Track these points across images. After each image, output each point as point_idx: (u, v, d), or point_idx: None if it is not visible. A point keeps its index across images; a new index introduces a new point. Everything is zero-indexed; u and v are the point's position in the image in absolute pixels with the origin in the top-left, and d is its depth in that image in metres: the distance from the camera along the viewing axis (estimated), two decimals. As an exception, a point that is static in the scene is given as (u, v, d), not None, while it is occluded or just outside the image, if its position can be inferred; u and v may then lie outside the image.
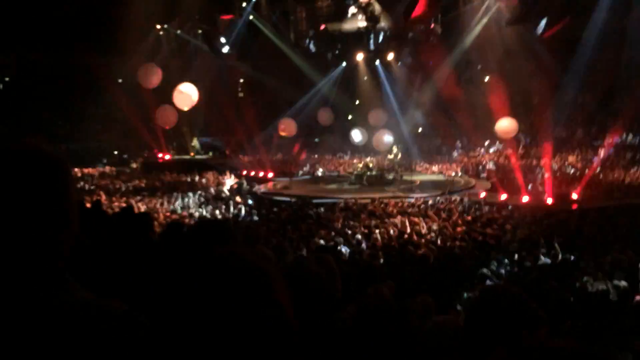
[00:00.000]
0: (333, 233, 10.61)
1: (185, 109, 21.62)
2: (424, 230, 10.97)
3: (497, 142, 26.56)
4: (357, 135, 26.27)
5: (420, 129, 30.40)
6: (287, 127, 25.33)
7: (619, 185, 17.45)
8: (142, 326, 1.02)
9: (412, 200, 15.82)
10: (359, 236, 10.02)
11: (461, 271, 7.47)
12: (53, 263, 1.01)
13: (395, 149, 22.23)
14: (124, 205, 12.03)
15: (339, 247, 8.79)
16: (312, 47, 28.45)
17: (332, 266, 2.72)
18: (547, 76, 25.71)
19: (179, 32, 27.61)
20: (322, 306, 2.30)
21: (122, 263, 2.82)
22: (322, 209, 14.55)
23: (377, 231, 10.50)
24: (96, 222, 4.35)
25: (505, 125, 23.16)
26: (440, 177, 23.43)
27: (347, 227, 11.33)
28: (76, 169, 21.75)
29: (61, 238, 1.03)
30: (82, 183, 20.30)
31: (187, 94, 21.21)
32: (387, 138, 25.66)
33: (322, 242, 9.39)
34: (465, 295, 6.41)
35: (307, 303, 2.17)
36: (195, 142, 27.35)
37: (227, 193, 18.47)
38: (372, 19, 24.65)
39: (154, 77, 21.96)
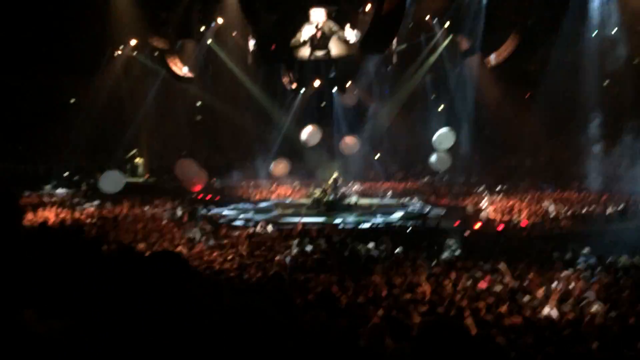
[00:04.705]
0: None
1: None
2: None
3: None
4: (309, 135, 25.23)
5: (378, 155, 30.74)
6: None
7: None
8: None
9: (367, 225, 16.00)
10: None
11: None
12: None
13: (336, 174, 22.12)
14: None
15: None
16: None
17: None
18: (497, 106, 26.71)
19: (135, 53, 27.16)
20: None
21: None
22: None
23: None
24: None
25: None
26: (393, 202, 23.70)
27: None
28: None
29: None
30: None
31: None
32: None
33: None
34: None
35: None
36: (139, 162, 26.70)
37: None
38: (318, 47, 24.41)
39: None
